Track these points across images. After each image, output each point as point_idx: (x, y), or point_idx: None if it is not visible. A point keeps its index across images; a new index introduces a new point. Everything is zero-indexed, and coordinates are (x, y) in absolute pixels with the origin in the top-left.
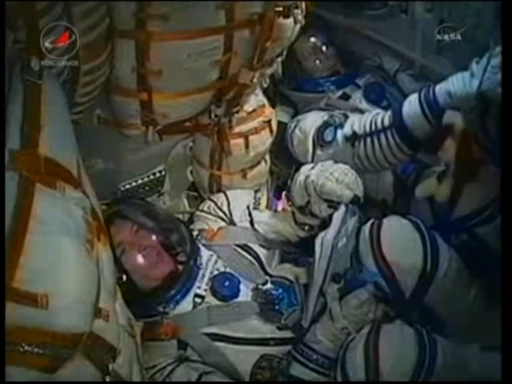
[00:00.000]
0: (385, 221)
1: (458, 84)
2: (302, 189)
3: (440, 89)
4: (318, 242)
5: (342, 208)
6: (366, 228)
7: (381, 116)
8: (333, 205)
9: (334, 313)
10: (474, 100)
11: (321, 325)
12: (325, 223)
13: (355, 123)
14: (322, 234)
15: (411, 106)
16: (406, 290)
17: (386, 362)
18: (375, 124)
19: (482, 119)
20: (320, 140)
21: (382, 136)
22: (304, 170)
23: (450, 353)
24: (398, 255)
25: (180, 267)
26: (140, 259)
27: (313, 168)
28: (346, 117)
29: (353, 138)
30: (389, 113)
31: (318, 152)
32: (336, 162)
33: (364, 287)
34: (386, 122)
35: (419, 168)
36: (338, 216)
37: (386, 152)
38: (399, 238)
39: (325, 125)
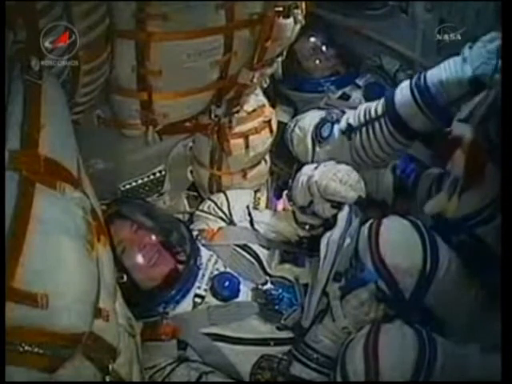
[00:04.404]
0: (384, 221)
1: (449, 70)
2: (305, 189)
3: (431, 76)
4: (323, 241)
5: (346, 208)
6: (365, 228)
7: (374, 105)
8: (336, 205)
9: (335, 312)
10: (468, 86)
11: (322, 324)
12: (326, 222)
13: (350, 116)
14: (327, 234)
15: (403, 94)
16: (405, 291)
17: (385, 362)
18: (369, 113)
19: (484, 121)
20: (318, 136)
21: (376, 125)
22: (306, 169)
23: (449, 353)
24: (396, 256)
25: (180, 267)
26: (140, 258)
27: (316, 168)
28: (344, 113)
29: (349, 131)
30: (382, 101)
31: (318, 149)
32: (335, 158)
33: (365, 287)
34: (379, 111)
35: (419, 168)
36: (342, 216)
37: (380, 141)
38: (398, 239)
39: (322, 121)
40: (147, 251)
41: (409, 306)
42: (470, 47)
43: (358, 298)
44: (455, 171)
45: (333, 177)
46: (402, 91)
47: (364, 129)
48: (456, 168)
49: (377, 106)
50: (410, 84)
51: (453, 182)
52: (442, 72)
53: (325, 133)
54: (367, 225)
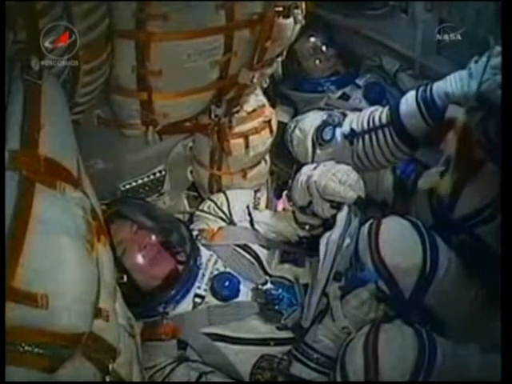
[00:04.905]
0: (384, 221)
1: (455, 85)
2: (304, 189)
3: (437, 89)
4: (323, 241)
5: (346, 208)
6: (365, 228)
7: (378, 113)
8: (335, 205)
9: (335, 312)
10: (473, 101)
11: (322, 324)
12: (325, 223)
13: (353, 121)
14: (327, 234)
15: (408, 104)
16: (405, 291)
17: (385, 362)
18: (373, 121)
19: (483, 121)
20: (319, 139)
21: (380, 133)
22: (306, 170)
23: (449, 353)
24: (396, 256)
25: (180, 267)
26: (140, 258)
27: (315, 168)
28: (345, 115)
29: (351, 136)
30: (386, 110)
31: (318, 151)
32: (336, 161)
33: (365, 286)
34: (384, 120)
35: (419, 168)
36: (342, 216)
37: (384, 150)
38: (398, 239)
39: (324, 124)
40: (147, 251)
41: (409, 306)
42: (476, 61)
43: (358, 297)
44: (448, 151)
45: (332, 177)
46: (407, 102)
47: (367, 136)
48: (448, 148)
49: (381, 114)
50: (416, 95)
51: (445, 161)
52: (448, 86)
53: (326, 136)
54: (367, 225)
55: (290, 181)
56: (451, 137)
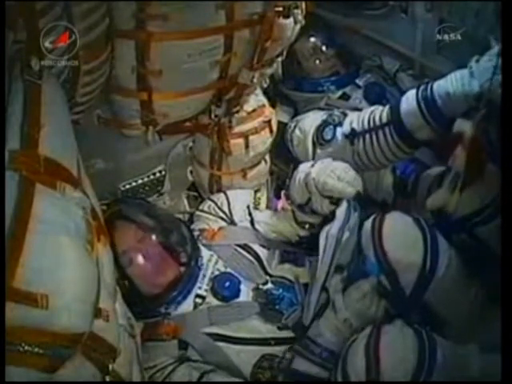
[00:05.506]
0: (387, 216)
1: (456, 84)
2: (303, 186)
3: (438, 88)
4: (322, 235)
5: (345, 203)
6: (369, 222)
7: (379, 112)
8: (334, 201)
9: (337, 305)
10: (474, 101)
11: (324, 317)
12: (325, 221)
13: (354, 120)
14: (326, 228)
15: (409, 103)
16: (406, 287)
17: (386, 364)
18: (373, 121)
19: (484, 121)
20: (320, 139)
21: (381, 133)
22: (303, 167)
23: (450, 353)
24: (398, 251)
25: (182, 269)
26: (146, 268)
27: (312, 166)
28: (345, 115)
29: (352, 136)
30: (386, 109)
31: (318, 151)
32: (335, 159)
33: (366, 279)
34: (384, 119)
35: (419, 168)
36: (341, 210)
37: (384, 149)
38: (401, 234)
39: (324, 124)
40: (152, 259)
41: (409, 304)
42: (477, 60)
43: (359, 290)
44: (456, 167)
45: (330, 174)
46: (408, 101)
47: (368, 135)
48: (457, 163)
49: (381, 113)
50: (416, 94)
51: (454, 177)
52: (449, 85)
53: (327, 136)
54: (370, 219)
55: (287, 179)
56: (459, 152)
